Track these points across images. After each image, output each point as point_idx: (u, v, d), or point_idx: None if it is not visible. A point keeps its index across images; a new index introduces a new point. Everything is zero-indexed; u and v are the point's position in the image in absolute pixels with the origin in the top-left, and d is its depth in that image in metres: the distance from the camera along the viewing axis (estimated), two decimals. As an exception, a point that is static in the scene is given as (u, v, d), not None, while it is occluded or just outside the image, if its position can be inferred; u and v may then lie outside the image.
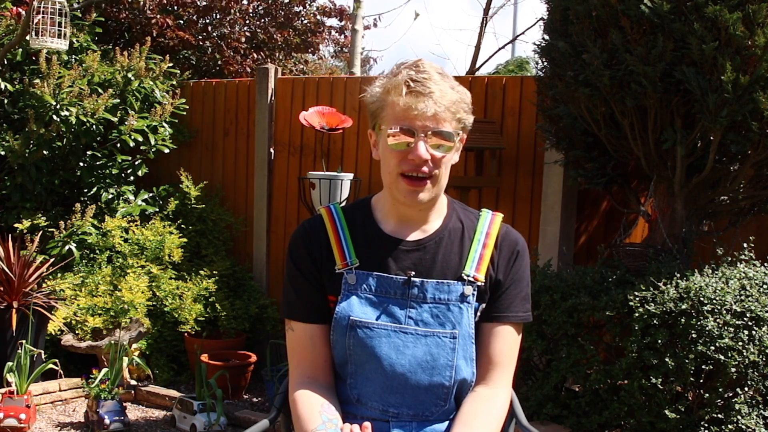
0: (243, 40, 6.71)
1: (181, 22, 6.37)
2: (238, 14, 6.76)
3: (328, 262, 1.62)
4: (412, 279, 1.60)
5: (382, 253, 1.62)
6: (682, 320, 2.92)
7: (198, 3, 6.42)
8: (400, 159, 1.55)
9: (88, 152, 4.98)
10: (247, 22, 7.02)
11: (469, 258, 1.63)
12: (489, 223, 1.69)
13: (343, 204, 1.72)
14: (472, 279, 1.62)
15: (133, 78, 5.05)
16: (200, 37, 6.64)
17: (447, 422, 1.64)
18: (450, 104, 1.53)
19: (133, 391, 4.29)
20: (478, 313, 1.64)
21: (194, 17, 6.51)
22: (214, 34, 6.76)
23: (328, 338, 1.64)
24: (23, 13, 5.07)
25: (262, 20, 7.14)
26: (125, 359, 4.11)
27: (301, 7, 7.22)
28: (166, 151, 5.11)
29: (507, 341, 1.65)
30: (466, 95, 1.59)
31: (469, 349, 1.62)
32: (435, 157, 1.54)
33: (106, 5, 5.95)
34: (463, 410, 1.61)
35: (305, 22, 7.27)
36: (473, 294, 1.62)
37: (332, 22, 7.64)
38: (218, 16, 6.68)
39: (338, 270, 1.61)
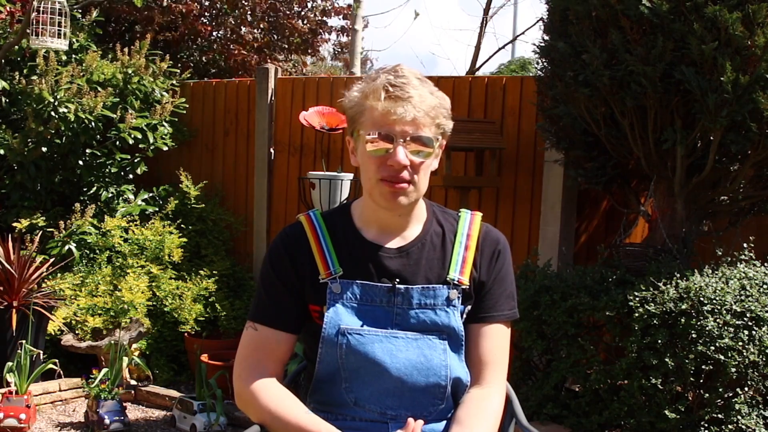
0: (253, 34, 6.75)
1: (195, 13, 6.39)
2: (246, 8, 6.78)
3: (311, 271, 1.61)
4: (397, 286, 1.59)
5: (364, 261, 1.61)
6: (682, 320, 2.92)
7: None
8: (379, 165, 1.53)
9: (87, 150, 4.97)
10: (251, 20, 7.04)
11: (452, 261, 1.63)
12: (469, 224, 1.69)
13: (323, 210, 1.71)
14: (456, 282, 1.62)
15: (132, 74, 5.05)
16: (212, 25, 6.67)
17: (444, 422, 1.64)
18: (429, 109, 1.51)
19: (133, 391, 4.29)
20: (464, 315, 1.64)
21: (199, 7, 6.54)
22: (221, 31, 6.80)
23: (292, 348, 1.64)
24: (16, 12, 5.07)
25: (264, 20, 7.14)
26: (125, 359, 4.11)
27: (299, 8, 7.22)
28: (165, 148, 5.11)
29: (496, 340, 1.66)
30: (446, 100, 1.58)
31: (460, 349, 1.63)
32: (414, 163, 1.53)
33: (108, 3, 5.96)
34: (459, 411, 1.61)
35: (306, 23, 7.27)
36: (458, 297, 1.62)
37: (333, 22, 7.70)
38: (225, 9, 6.72)
39: (322, 280, 1.60)
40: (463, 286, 1.62)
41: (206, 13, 6.74)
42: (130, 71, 5.06)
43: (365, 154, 1.55)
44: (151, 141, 5.02)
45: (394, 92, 1.50)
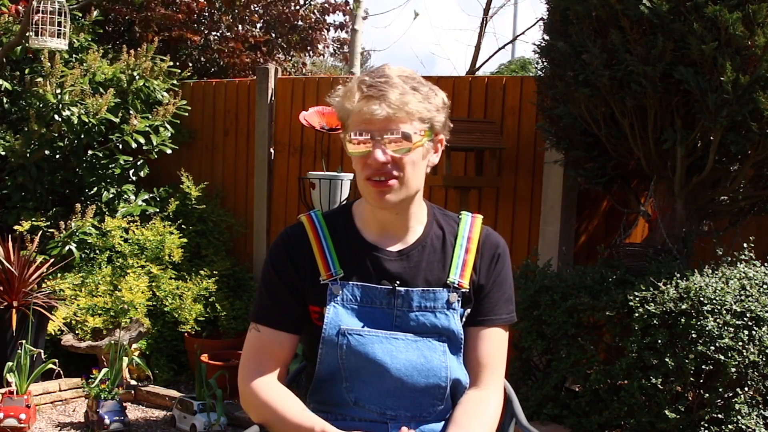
0: (251, 32, 6.74)
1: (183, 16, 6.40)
2: (242, 7, 6.78)
3: (312, 272, 1.61)
4: (397, 288, 1.60)
5: (365, 263, 1.61)
6: (682, 320, 2.92)
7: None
8: (363, 164, 1.54)
9: (89, 152, 4.97)
10: (246, 19, 7.04)
11: (452, 265, 1.64)
12: (470, 227, 1.69)
13: (324, 210, 1.71)
14: (456, 285, 1.62)
15: (138, 77, 5.04)
16: (203, 25, 6.68)
17: (443, 422, 1.64)
18: (405, 104, 1.50)
19: (133, 391, 4.29)
20: (463, 318, 1.65)
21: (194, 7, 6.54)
22: (219, 31, 6.81)
23: (294, 348, 1.64)
24: (21, 10, 5.06)
25: (262, 19, 7.15)
26: (125, 359, 4.11)
27: (297, 6, 7.22)
28: (169, 151, 5.11)
29: (494, 343, 1.66)
30: (434, 95, 1.56)
31: (459, 352, 1.63)
32: (395, 159, 1.52)
33: (107, 3, 5.95)
34: (456, 413, 1.62)
35: (304, 23, 7.27)
36: (458, 300, 1.62)
37: (332, 18, 7.64)
38: (222, 10, 6.72)
39: (323, 281, 1.60)
40: (463, 290, 1.63)
41: (204, 12, 6.74)
42: (135, 74, 5.04)
43: (352, 156, 1.56)
44: (155, 143, 5.01)
45: (368, 92, 1.50)
